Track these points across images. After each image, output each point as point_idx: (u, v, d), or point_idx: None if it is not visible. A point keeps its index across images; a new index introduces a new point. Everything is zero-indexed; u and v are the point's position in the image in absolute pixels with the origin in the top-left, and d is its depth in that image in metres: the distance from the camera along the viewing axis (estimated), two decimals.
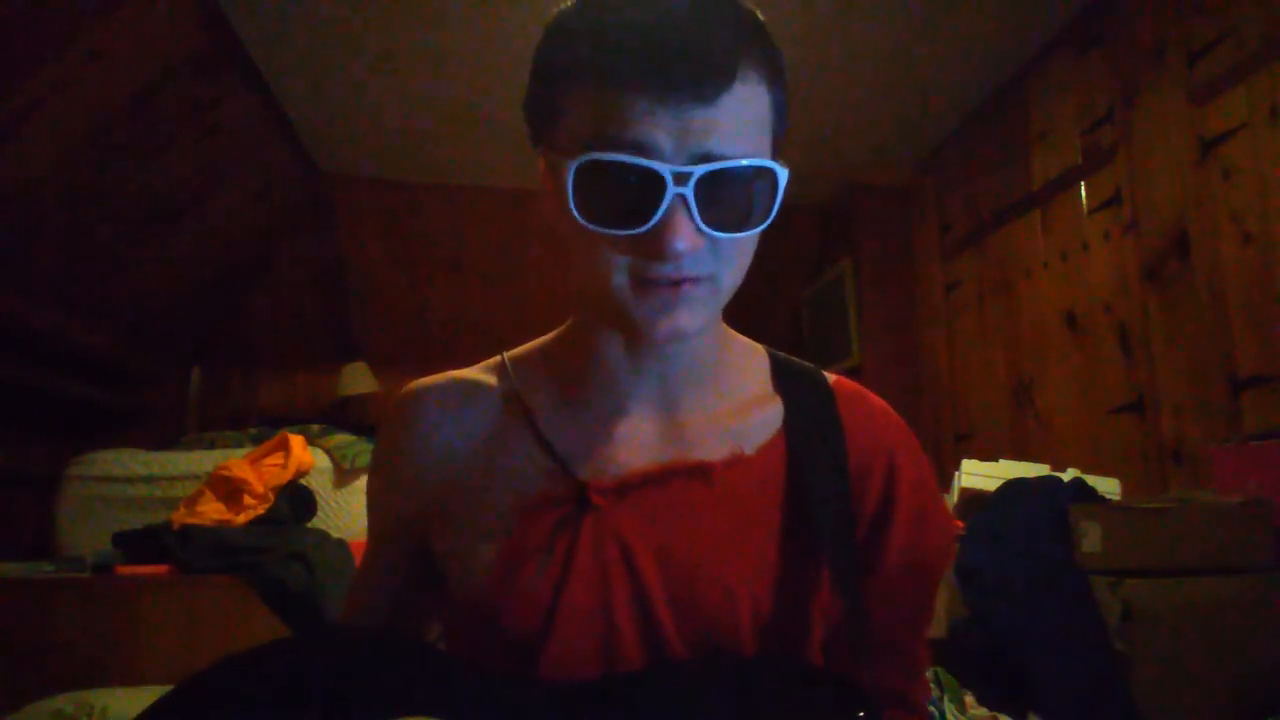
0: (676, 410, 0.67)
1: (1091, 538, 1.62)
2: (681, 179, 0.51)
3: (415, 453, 0.68)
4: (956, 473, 2.26)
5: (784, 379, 0.71)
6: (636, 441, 0.66)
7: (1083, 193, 2.60)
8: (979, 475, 2.19)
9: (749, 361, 0.72)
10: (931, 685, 1.61)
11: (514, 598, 0.61)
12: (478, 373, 0.71)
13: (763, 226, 0.57)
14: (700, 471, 0.64)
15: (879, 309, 3.72)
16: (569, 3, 0.57)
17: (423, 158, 3.76)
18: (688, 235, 0.52)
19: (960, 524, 2.07)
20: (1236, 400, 1.99)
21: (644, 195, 0.52)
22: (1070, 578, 1.63)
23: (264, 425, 3.16)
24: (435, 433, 0.68)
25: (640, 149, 0.51)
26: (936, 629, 1.80)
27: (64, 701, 1.58)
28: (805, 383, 0.71)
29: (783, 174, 0.56)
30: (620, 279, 0.55)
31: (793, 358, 0.74)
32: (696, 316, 0.57)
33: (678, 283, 0.55)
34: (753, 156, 0.54)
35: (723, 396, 0.68)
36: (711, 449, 0.66)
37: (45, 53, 2.00)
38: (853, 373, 3.74)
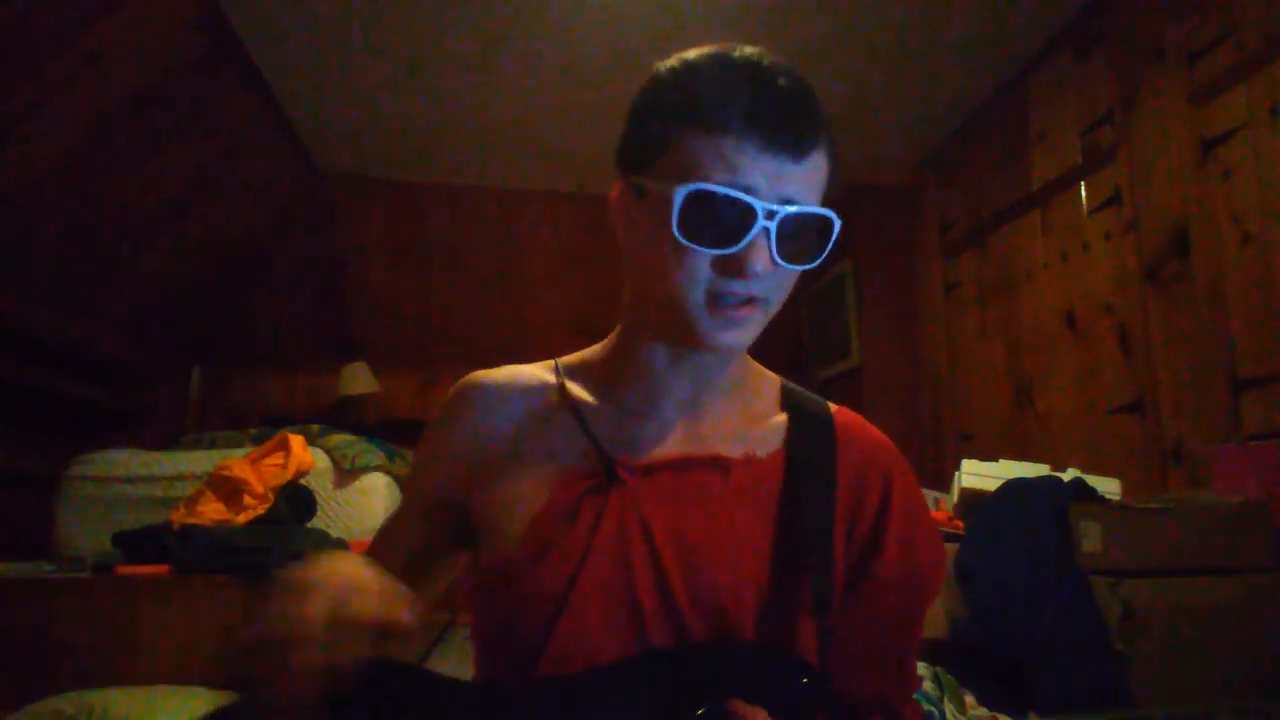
0: (701, 414, 0.77)
1: (1091, 538, 1.62)
2: (770, 215, 0.64)
3: (465, 432, 0.78)
4: (956, 473, 2.26)
5: (791, 402, 0.81)
6: (665, 435, 0.76)
7: (1083, 193, 2.60)
8: (979, 475, 2.18)
9: (763, 382, 0.83)
10: (931, 685, 1.61)
11: (541, 559, 0.69)
12: (533, 369, 0.82)
13: (813, 264, 0.68)
14: (718, 463, 0.74)
15: (879, 309, 3.72)
16: (674, 60, 0.69)
17: (423, 158, 3.76)
18: (765, 260, 0.64)
19: (961, 525, 2.07)
20: (1236, 400, 1.99)
21: (738, 223, 0.63)
22: (1070, 578, 1.63)
23: (264, 425, 3.16)
24: (487, 415, 0.79)
25: (742, 187, 0.63)
26: (937, 629, 1.80)
27: (64, 701, 1.58)
28: (809, 407, 0.80)
29: (837, 223, 0.68)
30: (699, 294, 0.66)
31: (801, 388, 0.84)
32: (749, 334, 0.70)
33: (744, 303, 0.67)
34: (818, 207, 0.66)
35: (740, 408, 0.79)
36: (729, 448, 0.75)
37: (45, 53, 2.00)
38: (853, 373, 3.74)
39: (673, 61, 0.69)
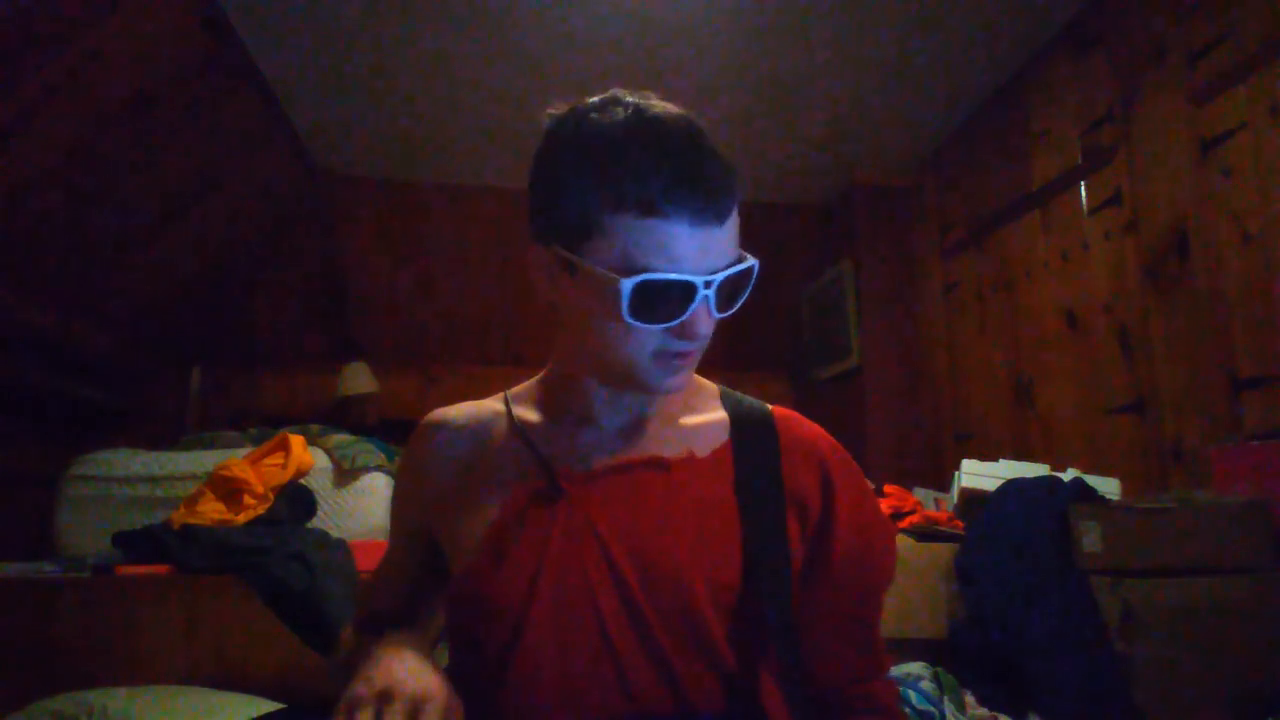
0: (643, 424, 0.82)
1: (1091, 538, 1.62)
2: (708, 285, 0.69)
3: (429, 468, 0.84)
4: (956, 473, 2.26)
5: (730, 403, 0.87)
6: (607, 445, 0.81)
7: (1083, 193, 2.60)
8: (979, 475, 2.18)
9: (702, 390, 0.88)
10: (931, 685, 1.61)
11: (499, 568, 0.74)
12: (487, 402, 0.89)
13: (737, 305, 0.74)
14: (658, 464, 0.79)
15: (879, 309, 3.72)
16: (583, 125, 0.70)
17: (423, 158, 3.76)
18: (706, 320, 0.71)
19: (961, 524, 2.07)
20: (1236, 400, 1.99)
21: (682, 298, 0.68)
22: (1070, 578, 1.63)
23: (264, 425, 3.15)
24: (447, 449, 0.85)
25: (679, 264, 0.67)
26: (937, 629, 1.80)
27: (64, 701, 1.57)
28: (748, 406, 0.86)
29: (756, 266, 0.74)
30: (644, 355, 0.72)
31: (737, 392, 0.90)
32: (688, 377, 0.77)
33: (686, 354, 0.73)
34: (741, 258, 0.72)
35: (681, 413, 0.84)
36: (669, 450, 0.80)
37: (45, 53, 2.00)
38: (853, 373, 3.74)
39: (583, 128, 0.70)
